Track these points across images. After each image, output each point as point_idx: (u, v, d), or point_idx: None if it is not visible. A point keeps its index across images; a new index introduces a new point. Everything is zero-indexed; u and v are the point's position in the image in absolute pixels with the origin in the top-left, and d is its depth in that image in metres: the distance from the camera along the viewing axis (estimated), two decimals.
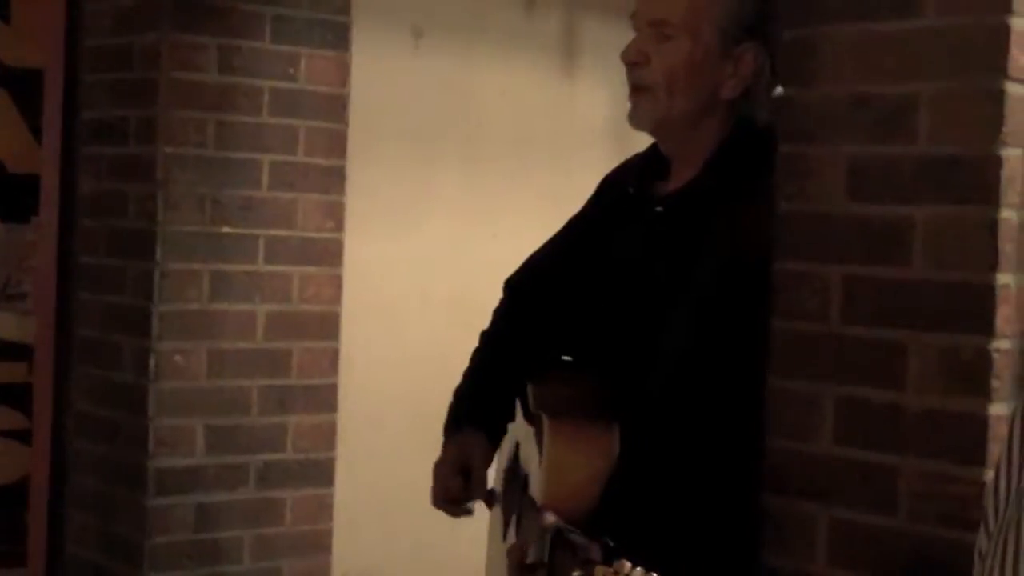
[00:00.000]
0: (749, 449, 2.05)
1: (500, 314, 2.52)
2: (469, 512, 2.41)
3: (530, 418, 2.33)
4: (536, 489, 2.14)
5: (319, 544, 3.63)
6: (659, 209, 2.19)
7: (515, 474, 2.36)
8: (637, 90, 2.18)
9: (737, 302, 2.08)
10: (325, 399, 3.62)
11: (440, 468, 2.40)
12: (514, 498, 2.32)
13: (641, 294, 2.18)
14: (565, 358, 2.39)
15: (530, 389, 2.31)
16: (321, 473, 3.62)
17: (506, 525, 2.37)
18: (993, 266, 1.91)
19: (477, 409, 2.42)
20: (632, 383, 2.13)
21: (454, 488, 2.36)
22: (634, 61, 2.18)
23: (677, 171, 2.22)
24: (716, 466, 2.04)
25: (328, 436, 3.63)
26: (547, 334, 2.41)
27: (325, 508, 3.64)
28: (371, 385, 3.72)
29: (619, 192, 2.32)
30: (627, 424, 2.11)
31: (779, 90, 2.17)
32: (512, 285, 2.52)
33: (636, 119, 2.20)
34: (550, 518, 1.87)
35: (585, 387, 2.25)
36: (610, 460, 2.08)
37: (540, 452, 2.19)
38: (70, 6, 3.66)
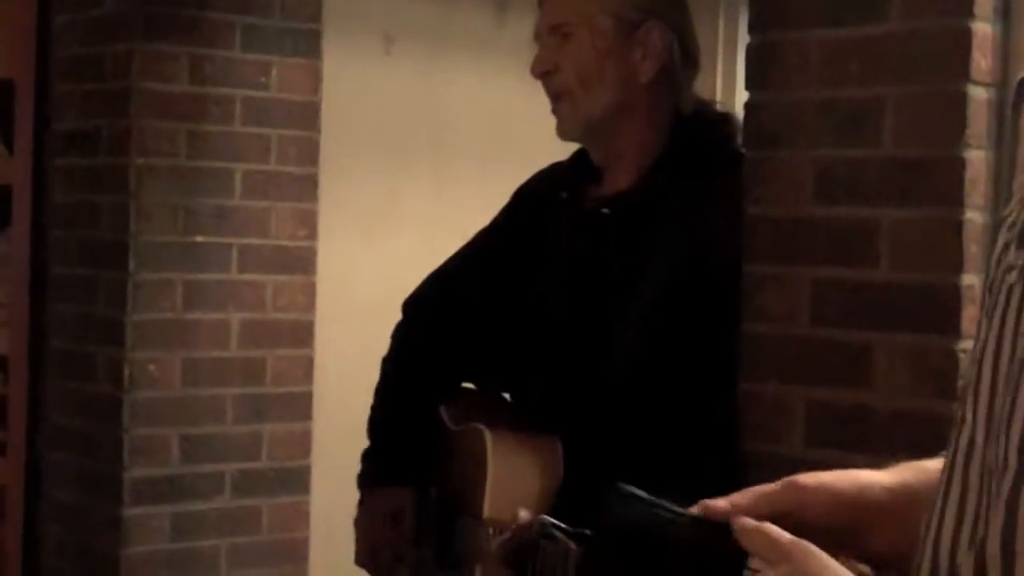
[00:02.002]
0: (711, 453, 2.05)
1: (402, 339, 2.42)
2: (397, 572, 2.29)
3: (441, 441, 2.26)
4: (477, 504, 2.07)
5: (296, 552, 3.63)
6: (605, 211, 2.16)
7: (425, 508, 2.26)
8: (556, 99, 2.19)
9: (697, 302, 2.08)
10: (300, 407, 3.62)
11: (365, 524, 2.31)
12: (430, 528, 2.23)
13: (583, 300, 2.15)
14: (469, 386, 2.35)
15: (445, 409, 2.26)
16: (297, 481, 3.62)
17: (418, 557, 2.26)
18: (958, 267, 1.93)
19: (398, 462, 2.31)
20: (574, 395, 2.11)
21: (382, 547, 2.27)
22: (544, 71, 2.18)
23: (612, 173, 2.20)
24: (675, 472, 2.02)
25: (303, 444, 3.63)
26: (455, 355, 2.34)
27: (301, 516, 3.64)
28: (346, 392, 3.71)
29: (544, 201, 2.28)
30: (574, 435, 2.08)
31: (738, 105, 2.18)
32: (415, 305, 2.42)
33: (563, 129, 2.20)
34: (525, 513, 1.85)
35: (505, 404, 2.24)
36: (557, 470, 2.05)
37: (465, 468, 2.13)
38: (41, 16, 3.65)
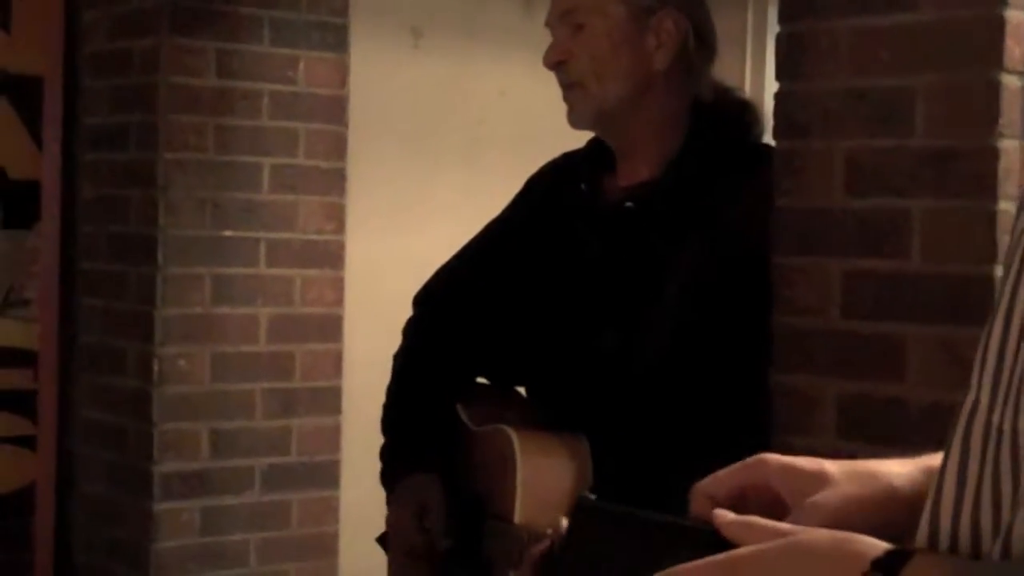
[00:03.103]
0: (741, 448, 2.02)
1: (416, 333, 2.38)
2: (433, 564, 2.22)
3: (461, 441, 2.22)
4: (506, 508, 2.03)
5: (325, 547, 3.63)
6: (628, 205, 2.10)
7: (452, 515, 2.20)
8: (569, 88, 2.13)
9: (724, 298, 2.04)
10: (329, 401, 3.62)
11: (395, 520, 2.24)
12: (451, 528, 2.18)
13: (608, 295, 2.10)
14: (483, 382, 2.31)
15: (463, 408, 2.22)
16: (326, 475, 3.62)
17: (441, 559, 2.21)
18: (991, 258, 1.91)
19: (416, 451, 2.25)
20: (600, 392, 2.07)
21: (415, 539, 2.19)
22: (557, 60, 2.13)
23: (628, 163, 2.15)
24: (705, 469, 1.99)
25: (333, 438, 3.63)
26: (469, 350, 2.30)
27: (331, 510, 3.64)
28: (375, 386, 3.69)
29: (558, 192, 2.24)
30: (600, 434, 2.04)
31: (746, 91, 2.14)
32: (425, 300, 2.39)
33: (576, 118, 2.14)
34: (566, 521, 1.83)
35: (524, 401, 2.21)
36: (586, 472, 2.01)
37: (490, 470, 2.10)
38: (68, 13, 3.66)
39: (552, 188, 2.28)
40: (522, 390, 2.31)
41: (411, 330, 2.40)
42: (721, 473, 1.14)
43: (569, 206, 2.21)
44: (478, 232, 2.38)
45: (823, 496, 1.10)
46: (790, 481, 1.12)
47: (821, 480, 1.12)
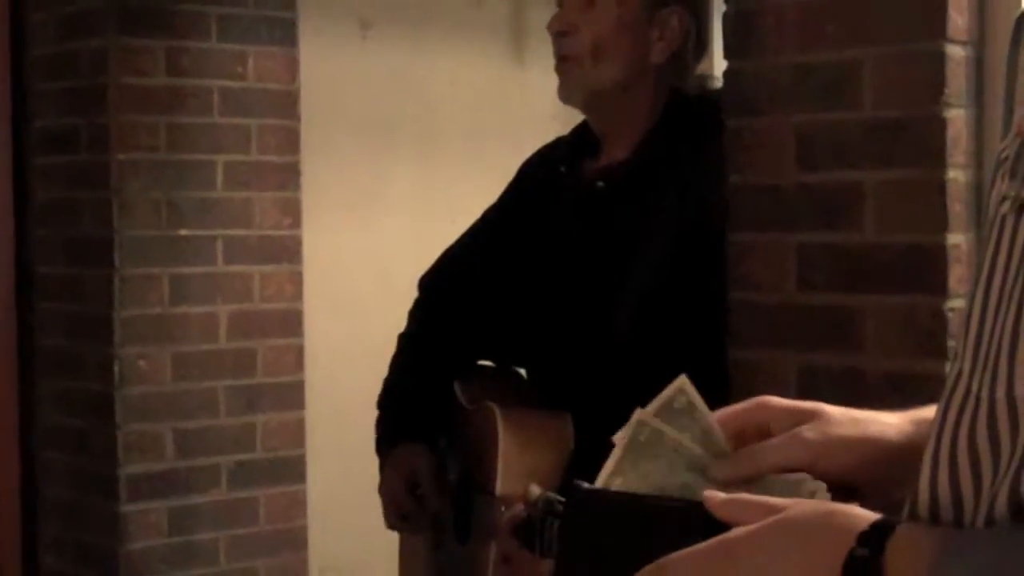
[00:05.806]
0: None
1: (418, 316, 2.45)
2: (426, 528, 2.34)
3: (456, 419, 2.29)
4: (490, 481, 2.10)
5: (294, 541, 3.63)
6: (600, 184, 2.16)
7: (443, 483, 2.30)
8: (564, 60, 2.17)
9: (694, 268, 2.08)
10: (292, 396, 3.62)
11: (387, 487, 2.33)
12: (446, 504, 2.27)
13: (584, 272, 2.16)
14: (486, 363, 2.37)
15: (460, 387, 2.29)
16: (292, 470, 3.62)
17: (439, 534, 2.31)
18: (943, 227, 1.93)
19: (411, 421, 2.34)
20: (582, 368, 2.12)
21: (407, 505, 2.30)
22: (562, 31, 2.16)
23: (609, 146, 2.21)
24: None
25: (297, 433, 3.63)
26: (470, 331, 2.36)
27: (298, 505, 3.64)
28: (337, 379, 3.72)
29: (545, 175, 2.29)
30: (584, 406, 2.09)
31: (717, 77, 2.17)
32: (428, 284, 2.46)
33: (566, 92, 2.19)
34: (536, 489, 1.86)
35: (520, 380, 2.25)
36: (567, 445, 2.07)
37: (478, 446, 2.15)
38: (14, 15, 3.64)
39: (540, 172, 2.34)
40: (523, 370, 2.37)
41: (416, 312, 2.47)
42: (723, 412, 1.15)
43: (552, 189, 2.26)
44: (478, 217, 2.43)
45: (808, 429, 1.11)
46: (788, 422, 1.13)
47: (818, 418, 1.14)
